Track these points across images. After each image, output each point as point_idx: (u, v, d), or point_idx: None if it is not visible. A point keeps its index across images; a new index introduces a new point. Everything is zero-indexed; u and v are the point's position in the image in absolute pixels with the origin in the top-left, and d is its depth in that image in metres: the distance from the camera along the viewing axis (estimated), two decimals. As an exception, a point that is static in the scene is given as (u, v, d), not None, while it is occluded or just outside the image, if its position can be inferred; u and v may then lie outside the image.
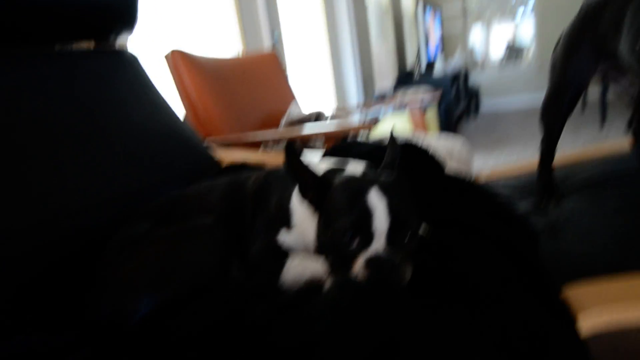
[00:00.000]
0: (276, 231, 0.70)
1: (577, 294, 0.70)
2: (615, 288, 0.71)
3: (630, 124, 1.29)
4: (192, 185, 0.86)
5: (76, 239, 0.78)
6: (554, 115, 1.19)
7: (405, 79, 4.94)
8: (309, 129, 1.36)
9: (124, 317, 0.62)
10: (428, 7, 4.98)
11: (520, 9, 6.47)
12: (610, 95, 4.16)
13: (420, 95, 3.47)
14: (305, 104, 2.16)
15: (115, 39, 1.13)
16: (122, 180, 0.91)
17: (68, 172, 0.84)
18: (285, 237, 0.70)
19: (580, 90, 1.17)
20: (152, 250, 0.66)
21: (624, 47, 0.99)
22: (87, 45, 1.13)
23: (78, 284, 0.71)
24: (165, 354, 0.41)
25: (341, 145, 0.97)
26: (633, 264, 0.77)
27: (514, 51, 6.79)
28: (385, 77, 5.05)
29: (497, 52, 6.89)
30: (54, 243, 0.76)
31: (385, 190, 0.59)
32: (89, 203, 0.84)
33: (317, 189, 0.64)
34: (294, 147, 0.63)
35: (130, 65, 1.11)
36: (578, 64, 1.14)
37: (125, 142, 0.97)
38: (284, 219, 0.71)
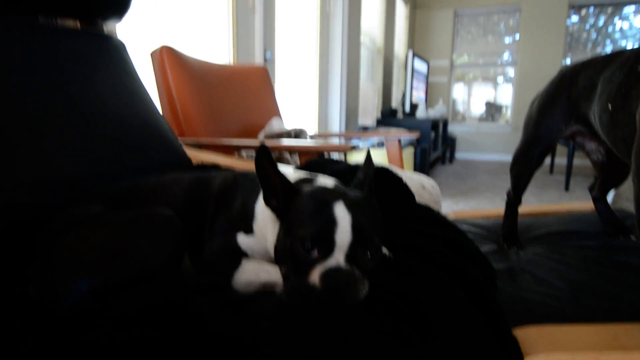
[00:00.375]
0: (235, 232, 0.68)
1: (528, 337, 0.70)
2: (564, 337, 0.72)
3: (592, 188, 1.34)
4: (157, 176, 0.83)
5: (31, 211, 0.75)
6: (524, 165, 1.23)
7: (388, 117, 5.06)
8: (287, 142, 1.36)
9: (55, 298, 0.57)
10: (417, 58, 5.20)
11: (500, 77, 6.93)
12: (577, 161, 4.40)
13: (400, 133, 3.55)
14: (287, 123, 2.17)
15: (102, 23, 1.11)
16: (92, 161, 0.88)
17: (41, 143, 0.81)
18: (244, 240, 0.67)
19: (550, 146, 1.22)
20: (99, 232, 0.62)
21: (593, 113, 1.04)
22: (73, 24, 1.10)
23: (21, 256, 0.66)
24: (92, 334, 0.37)
25: (316, 161, 0.96)
26: (583, 316, 0.78)
27: (492, 109, 7.14)
28: (368, 113, 5.16)
29: (477, 108, 7.23)
30: (10, 208, 0.72)
31: (353, 206, 0.58)
32: (57, 178, 0.80)
33: (284, 195, 0.62)
34: (267, 148, 0.61)
35: (115, 51, 1.09)
36: (551, 122, 1.19)
37: (100, 124, 0.94)
38: (246, 222, 0.68)
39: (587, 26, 6.21)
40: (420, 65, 5.52)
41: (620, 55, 1.00)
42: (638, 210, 0.76)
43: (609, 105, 0.96)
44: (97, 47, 1.05)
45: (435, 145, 5.12)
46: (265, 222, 0.67)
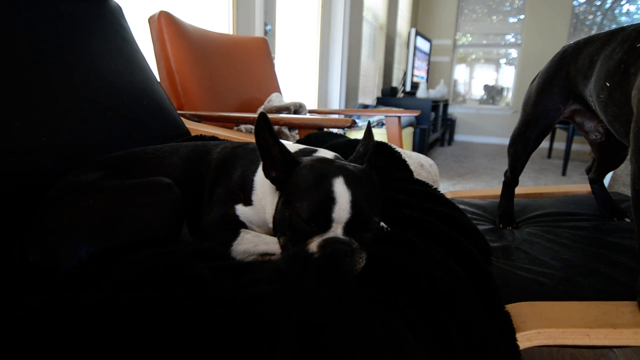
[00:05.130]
0: (234, 203, 0.68)
1: (520, 313, 0.72)
2: (555, 314, 0.73)
3: (589, 170, 1.34)
4: (156, 145, 0.82)
5: (27, 177, 0.74)
6: (521, 146, 1.22)
7: (387, 96, 5.02)
8: (286, 116, 1.34)
9: (56, 263, 0.57)
10: (419, 36, 5.11)
11: (502, 59, 6.84)
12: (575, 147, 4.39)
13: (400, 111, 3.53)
14: (287, 99, 2.14)
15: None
16: (87, 129, 0.87)
17: (35, 109, 0.79)
18: (242, 211, 0.67)
19: (548, 126, 1.21)
20: (99, 199, 0.62)
21: (591, 92, 1.03)
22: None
23: (17, 221, 0.66)
24: (92, 295, 0.37)
25: (316, 134, 0.95)
26: (575, 294, 0.80)
27: (492, 91, 7.08)
28: (369, 92, 5.12)
29: (478, 90, 7.17)
30: (5, 175, 0.71)
31: (352, 180, 0.58)
32: (51, 145, 0.79)
33: (283, 165, 0.62)
34: (267, 117, 0.61)
35: (112, 16, 1.06)
36: (549, 101, 1.18)
37: (96, 93, 0.92)
38: (245, 194, 0.68)
39: (593, 8, 6.10)
40: (423, 44, 5.44)
41: (622, 31, 0.99)
42: (634, 190, 0.76)
43: (607, 83, 0.95)
44: (93, 10, 1.02)
45: (434, 127, 5.09)
46: (264, 193, 0.67)
